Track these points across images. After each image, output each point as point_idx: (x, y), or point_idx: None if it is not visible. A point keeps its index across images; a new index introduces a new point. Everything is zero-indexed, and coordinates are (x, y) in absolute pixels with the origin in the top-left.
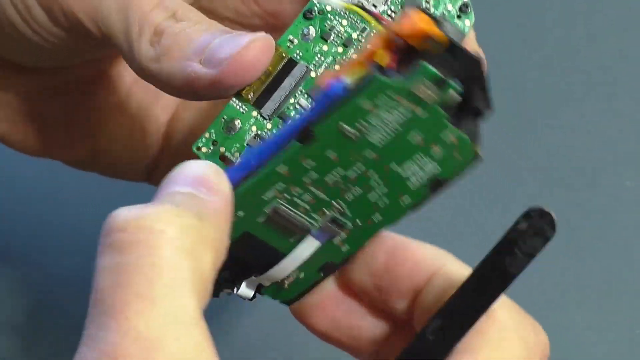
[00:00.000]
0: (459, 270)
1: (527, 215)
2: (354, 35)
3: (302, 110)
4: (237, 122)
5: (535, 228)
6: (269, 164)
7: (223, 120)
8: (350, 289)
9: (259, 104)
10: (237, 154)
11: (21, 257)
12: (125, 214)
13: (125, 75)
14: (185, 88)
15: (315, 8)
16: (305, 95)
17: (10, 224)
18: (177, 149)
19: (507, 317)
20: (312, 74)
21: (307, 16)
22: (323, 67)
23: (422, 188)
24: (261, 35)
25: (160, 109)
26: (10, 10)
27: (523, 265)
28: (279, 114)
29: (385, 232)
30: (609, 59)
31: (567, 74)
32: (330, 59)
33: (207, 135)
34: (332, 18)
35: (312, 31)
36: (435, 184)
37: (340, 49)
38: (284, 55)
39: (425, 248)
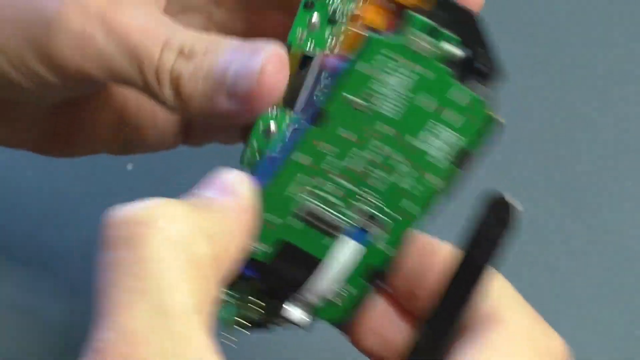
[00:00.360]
0: None
1: (488, 205)
2: (356, 7)
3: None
4: (273, 125)
5: (498, 217)
6: (288, 156)
7: (260, 127)
8: (391, 298)
9: (289, 104)
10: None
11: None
12: (118, 210)
13: None
14: (221, 120)
15: None
16: (329, 78)
17: (10, 224)
18: None
19: (515, 320)
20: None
21: (308, 6)
22: (338, 45)
23: (445, 162)
24: (272, 51)
25: None
26: (13, 75)
27: (490, 256)
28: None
29: (414, 233)
30: (609, 56)
31: (567, 72)
32: (342, 36)
33: (249, 147)
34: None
35: (316, 18)
36: (458, 156)
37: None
38: (298, 54)
39: (452, 249)
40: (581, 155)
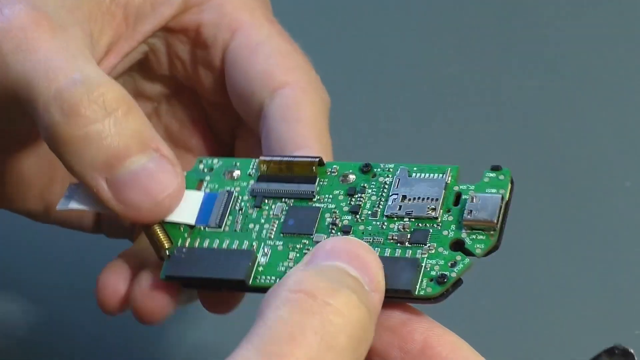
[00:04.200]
0: None
1: (611, 351)
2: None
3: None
4: (236, 174)
5: None
6: None
7: (235, 163)
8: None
9: (261, 178)
10: (208, 190)
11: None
12: (316, 283)
13: None
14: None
15: None
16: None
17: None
18: None
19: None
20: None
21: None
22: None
23: None
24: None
25: None
26: None
27: None
28: (255, 198)
29: (422, 315)
30: (608, 58)
31: (566, 74)
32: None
33: (216, 160)
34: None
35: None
36: None
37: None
38: (314, 169)
39: (459, 339)
40: (580, 154)
